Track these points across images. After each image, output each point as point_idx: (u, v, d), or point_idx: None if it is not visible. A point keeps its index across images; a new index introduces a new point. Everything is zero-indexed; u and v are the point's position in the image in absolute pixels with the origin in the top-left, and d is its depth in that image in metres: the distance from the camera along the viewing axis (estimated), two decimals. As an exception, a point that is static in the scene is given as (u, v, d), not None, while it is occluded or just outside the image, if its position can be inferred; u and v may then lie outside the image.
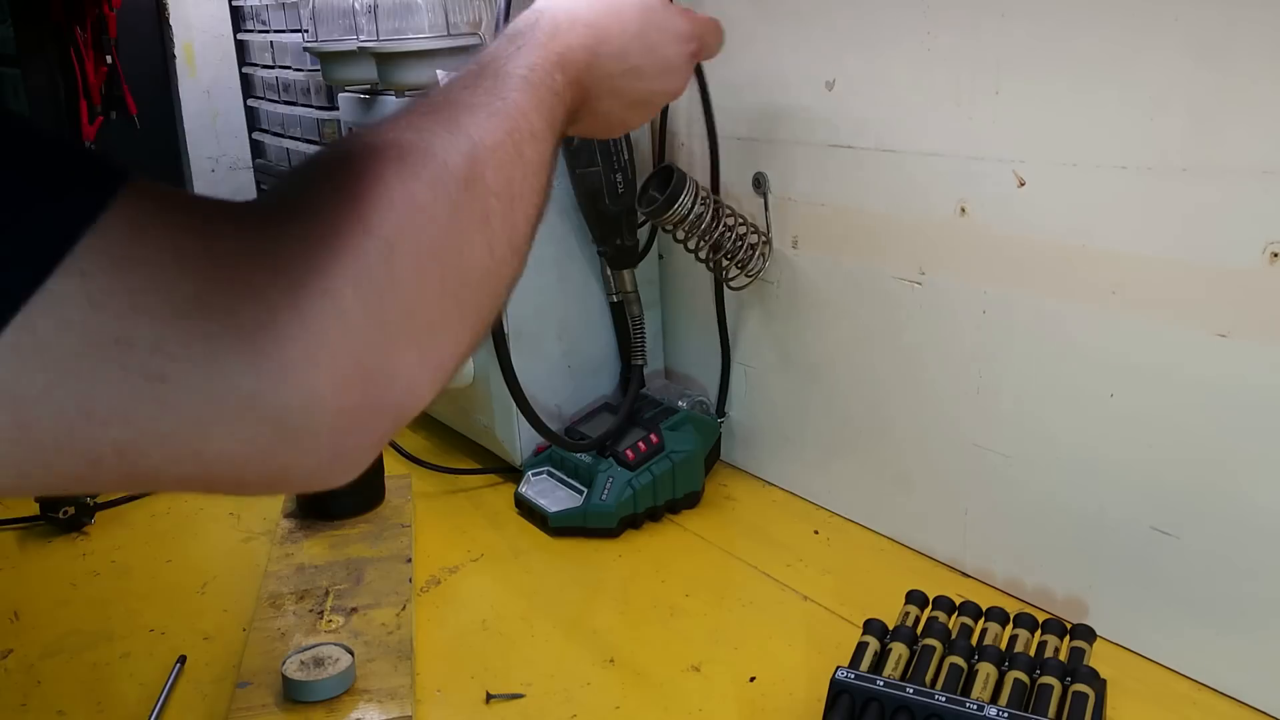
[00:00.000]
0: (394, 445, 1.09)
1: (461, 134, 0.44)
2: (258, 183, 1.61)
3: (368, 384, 0.36)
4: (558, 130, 0.51)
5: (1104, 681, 0.65)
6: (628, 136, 0.93)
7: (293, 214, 0.36)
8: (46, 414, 0.30)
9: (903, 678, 0.65)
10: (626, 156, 0.93)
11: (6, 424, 0.29)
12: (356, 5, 0.99)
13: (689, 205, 0.87)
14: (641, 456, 0.93)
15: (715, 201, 0.89)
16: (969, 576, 0.83)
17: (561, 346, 1.01)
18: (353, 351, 0.36)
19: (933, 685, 0.63)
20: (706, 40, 0.66)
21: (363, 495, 0.96)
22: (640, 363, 1.01)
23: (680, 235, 0.90)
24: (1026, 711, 0.61)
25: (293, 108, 1.43)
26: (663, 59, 0.61)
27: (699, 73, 0.93)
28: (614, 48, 0.57)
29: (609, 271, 0.99)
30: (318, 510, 0.95)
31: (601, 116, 0.59)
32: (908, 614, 0.72)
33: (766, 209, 0.93)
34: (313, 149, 1.38)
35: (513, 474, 1.03)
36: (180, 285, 0.31)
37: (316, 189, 0.38)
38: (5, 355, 0.29)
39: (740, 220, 0.91)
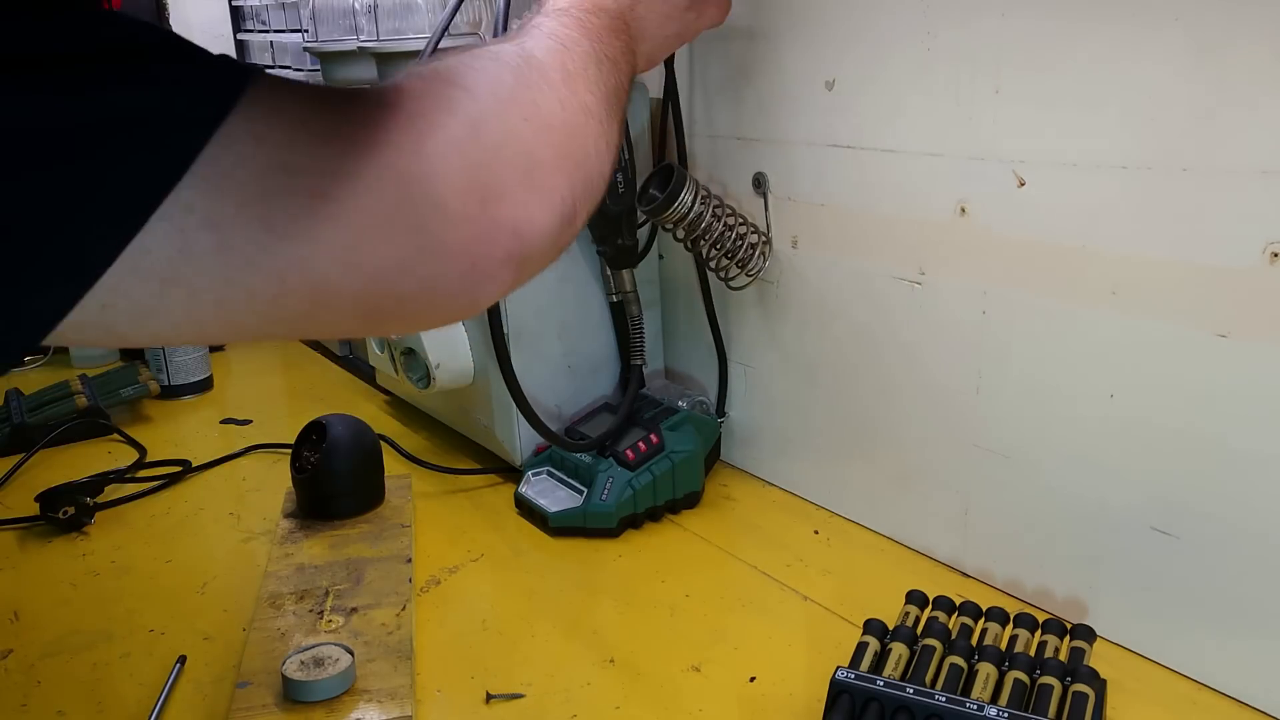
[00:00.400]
0: (394, 445, 1.09)
1: (503, 40, 0.54)
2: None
3: (485, 196, 0.43)
4: (603, 38, 0.59)
5: (1104, 681, 0.65)
6: (628, 136, 0.93)
7: (391, 82, 0.45)
8: (239, 231, 0.36)
9: (903, 678, 0.65)
10: (627, 156, 0.93)
11: (208, 243, 0.35)
12: (356, 5, 0.99)
13: (689, 203, 0.87)
14: (641, 456, 0.93)
15: (715, 200, 0.89)
16: (969, 576, 0.83)
17: (561, 346, 1.01)
18: (466, 167, 0.43)
19: (933, 685, 0.63)
20: None
21: (363, 495, 0.96)
22: (640, 363, 1.01)
23: (680, 234, 0.90)
24: (1026, 711, 0.61)
25: (293, 108, 1.43)
26: None
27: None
28: None
29: (609, 271, 0.99)
30: (318, 510, 0.95)
31: (644, 57, 0.67)
32: (908, 614, 0.72)
33: (766, 209, 0.93)
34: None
35: (513, 474, 1.03)
36: (318, 119, 0.38)
37: (404, 75, 0.46)
38: (197, 182, 0.34)
39: (740, 220, 0.91)
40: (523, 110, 0.48)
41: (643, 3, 0.67)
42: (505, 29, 0.85)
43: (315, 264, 0.38)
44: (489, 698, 0.71)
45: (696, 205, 0.87)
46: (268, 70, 0.40)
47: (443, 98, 0.44)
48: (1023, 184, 0.72)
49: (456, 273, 0.43)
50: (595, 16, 0.62)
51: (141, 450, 1.14)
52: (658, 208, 0.87)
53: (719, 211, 0.89)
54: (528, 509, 0.96)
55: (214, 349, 1.44)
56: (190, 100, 0.35)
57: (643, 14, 0.67)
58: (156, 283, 0.35)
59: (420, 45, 0.95)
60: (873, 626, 0.70)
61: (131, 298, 0.35)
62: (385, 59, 0.97)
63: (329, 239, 0.38)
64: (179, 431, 1.23)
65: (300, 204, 0.37)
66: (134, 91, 0.33)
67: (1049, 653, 0.67)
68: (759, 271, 0.92)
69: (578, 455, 0.95)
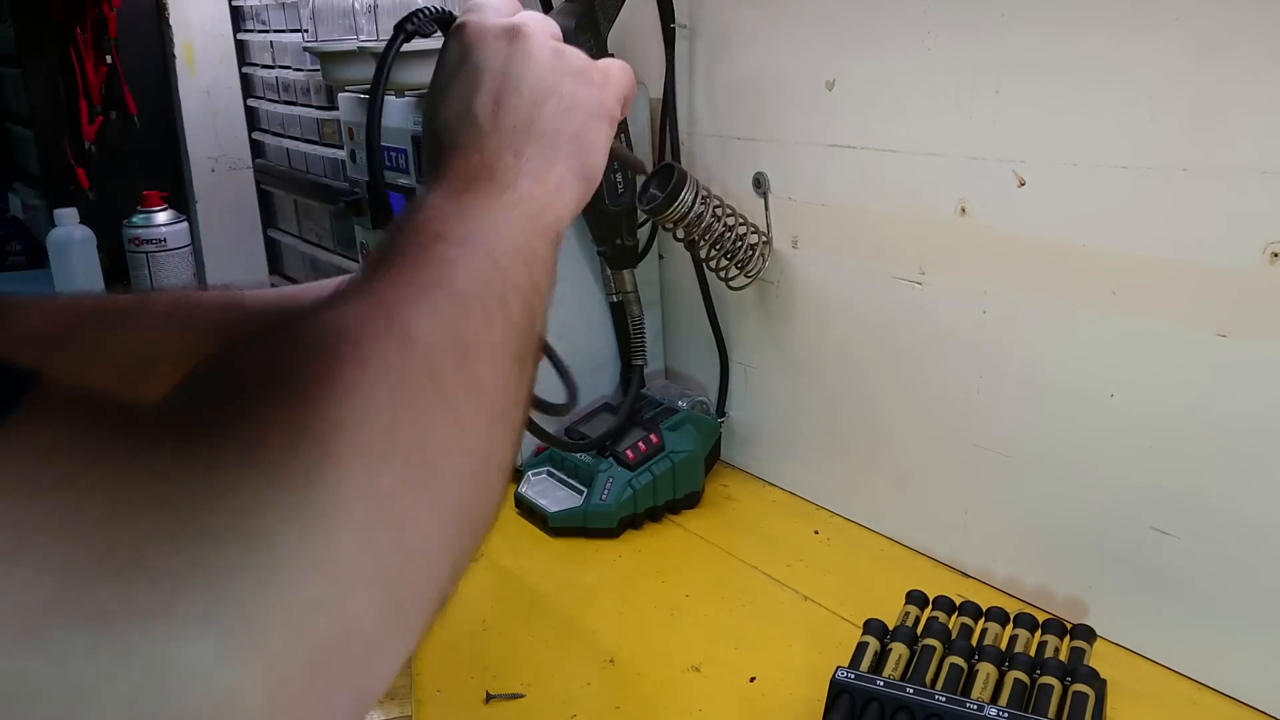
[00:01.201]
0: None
1: (371, 294, 0.35)
2: (258, 183, 1.61)
3: (315, 670, 0.26)
4: (519, 249, 0.43)
5: (1104, 681, 0.65)
6: (628, 135, 0.93)
7: (224, 429, 0.26)
8: None
9: (903, 678, 0.65)
10: (626, 156, 0.93)
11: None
12: (356, 5, 0.99)
13: (689, 202, 0.87)
14: (641, 456, 0.93)
15: (716, 200, 0.89)
16: (969, 576, 0.83)
17: (561, 346, 1.00)
18: (295, 623, 0.25)
19: (933, 685, 0.63)
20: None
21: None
22: (640, 363, 1.01)
23: (680, 234, 0.90)
24: (1026, 711, 0.61)
25: (293, 108, 1.43)
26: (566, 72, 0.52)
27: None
28: (483, 114, 0.49)
29: (609, 271, 0.99)
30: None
31: (568, 177, 0.50)
32: (908, 614, 0.72)
33: (766, 209, 0.93)
34: (312, 149, 1.38)
35: (513, 474, 1.03)
36: (30, 593, 0.22)
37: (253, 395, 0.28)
38: None
39: (740, 220, 0.91)
40: (399, 466, 0.30)
41: (509, 120, 0.49)
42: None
43: None
44: (489, 698, 0.71)
45: (697, 205, 0.87)
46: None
47: (261, 481, 0.26)
48: (1023, 184, 0.72)
49: None
50: (474, 195, 0.45)
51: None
52: (658, 207, 0.87)
53: (719, 211, 0.89)
54: (528, 509, 0.96)
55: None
56: None
57: (524, 141, 0.49)
58: None
59: (420, 45, 0.95)
60: (873, 626, 0.70)
61: None
62: (385, 59, 0.97)
63: None
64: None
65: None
66: None
67: (1049, 653, 0.67)
68: (759, 271, 0.92)
69: (578, 455, 0.95)
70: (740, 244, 0.90)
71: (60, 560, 0.23)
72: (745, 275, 0.92)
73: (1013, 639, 0.69)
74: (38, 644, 0.22)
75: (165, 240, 1.39)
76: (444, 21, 0.61)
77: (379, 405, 0.30)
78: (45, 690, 0.22)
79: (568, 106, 0.51)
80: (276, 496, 0.26)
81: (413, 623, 0.30)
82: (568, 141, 0.51)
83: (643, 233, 0.99)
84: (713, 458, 1.02)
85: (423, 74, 0.96)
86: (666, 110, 0.98)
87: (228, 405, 0.27)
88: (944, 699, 0.61)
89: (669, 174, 0.87)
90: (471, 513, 0.34)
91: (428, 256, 0.39)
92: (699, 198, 0.87)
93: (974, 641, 0.69)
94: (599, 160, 0.53)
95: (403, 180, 1.04)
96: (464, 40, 0.52)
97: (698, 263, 0.99)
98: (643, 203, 0.89)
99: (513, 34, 0.51)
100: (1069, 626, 0.70)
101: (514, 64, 0.50)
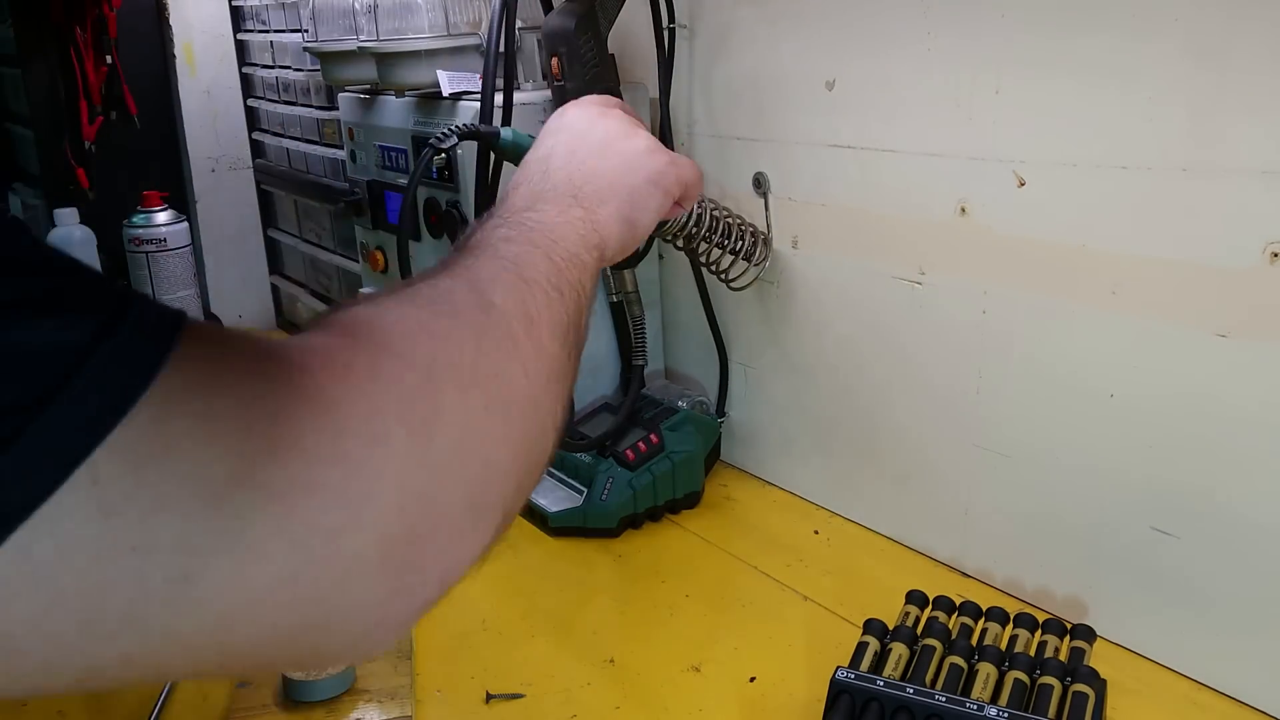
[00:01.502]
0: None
1: (458, 274, 0.45)
2: (258, 183, 1.61)
3: (416, 538, 0.33)
4: (571, 255, 0.52)
5: (1104, 681, 0.65)
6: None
7: (328, 356, 0.33)
8: (37, 642, 0.26)
9: (903, 678, 0.65)
10: (626, 156, 0.93)
11: (93, 543, 0.25)
12: (356, 5, 0.99)
13: (687, 212, 0.86)
14: (641, 456, 0.93)
15: (711, 203, 0.89)
16: (969, 576, 0.83)
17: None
18: (404, 499, 0.33)
19: (933, 685, 0.63)
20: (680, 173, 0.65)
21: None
22: (641, 363, 1.01)
23: (680, 244, 0.89)
24: (1026, 711, 0.61)
25: (293, 108, 1.43)
26: (630, 145, 0.62)
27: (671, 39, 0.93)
28: (561, 152, 0.60)
29: (609, 271, 0.99)
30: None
31: (615, 217, 0.59)
32: (908, 614, 0.72)
33: (766, 209, 0.93)
34: (312, 149, 1.38)
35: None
36: (213, 469, 0.27)
37: (347, 323, 0.36)
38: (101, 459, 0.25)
39: (739, 219, 0.91)
40: (485, 393, 0.38)
41: (581, 166, 0.59)
42: (502, 29, 0.85)
43: (150, 654, 0.28)
44: (489, 698, 0.71)
45: (694, 212, 0.86)
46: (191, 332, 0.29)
47: (390, 381, 0.34)
48: (1023, 184, 0.72)
49: (348, 640, 0.33)
50: (537, 211, 0.54)
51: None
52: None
53: (716, 213, 0.89)
54: (528, 509, 0.96)
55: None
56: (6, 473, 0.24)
57: (586, 175, 0.58)
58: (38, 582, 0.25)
59: (420, 45, 0.95)
60: (873, 626, 0.70)
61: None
62: (385, 59, 0.97)
63: (179, 631, 0.28)
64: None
65: (147, 594, 0.27)
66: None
67: (1049, 653, 0.67)
68: (764, 261, 0.92)
69: (578, 455, 0.95)
70: (741, 240, 0.90)
71: (238, 446, 0.28)
72: (751, 265, 0.91)
73: (1013, 639, 0.69)
74: (226, 508, 0.28)
75: (165, 240, 1.39)
76: (465, 135, 0.71)
77: (467, 350, 0.39)
78: (228, 546, 0.28)
79: (631, 167, 0.61)
80: (392, 406, 0.33)
81: (486, 524, 0.38)
82: (622, 191, 0.60)
83: (643, 233, 0.99)
84: (713, 458, 1.02)
85: (422, 74, 0.96)
86: (666, 111, 0.98)
87: (351, 342, 0.35)
88: (944, 699, 0.61)
89: None
90: (533, 448, 0.42)
91: (500, 252, 0.48)
92: (695, 204, 0.86)
93: (974, 641, 0.69)
94: (645, 219, 0.62)
95: (402, 180, 1.04)
96: (564, 109, 0.65)
97: (697, 263, 0.99)
98: None
99: (602, 108, 0.65)
100: (1069, 626, 0.70)
101: (594, 126, 0.63)
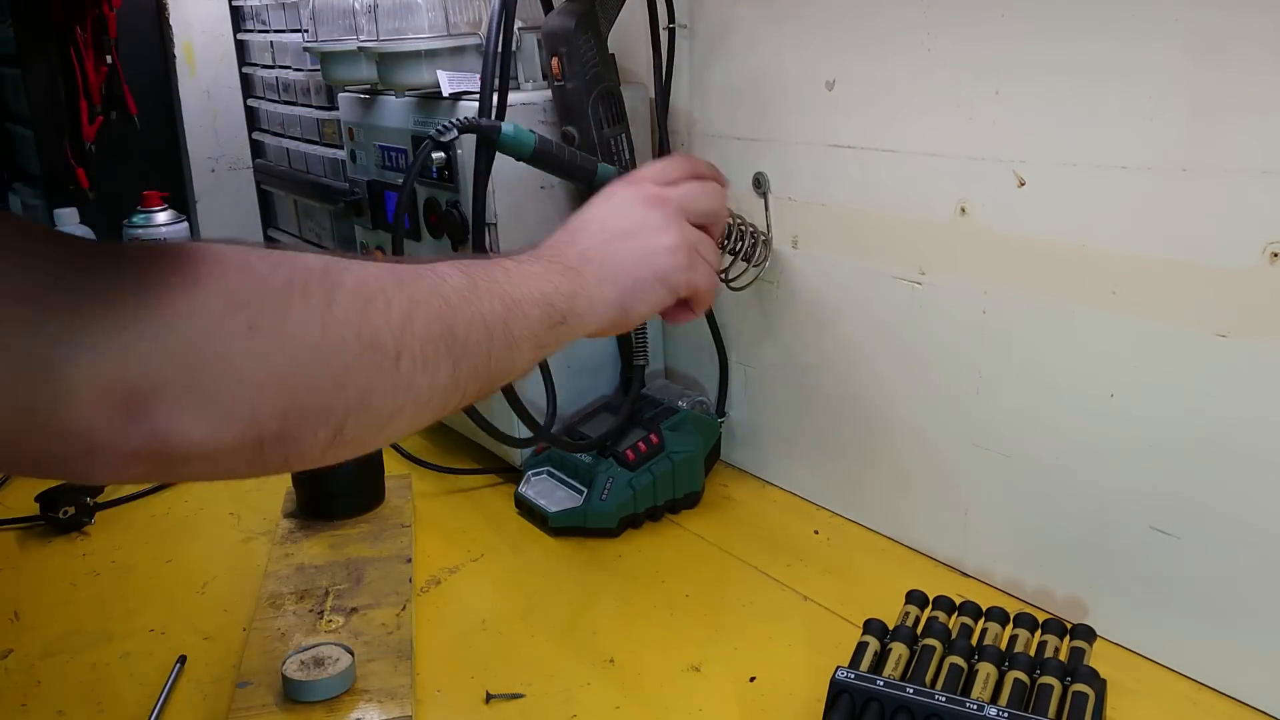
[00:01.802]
0: (394, 445, 1.09)
1: (355, 258, 0.50)
2: (258, 183, 1.61)
3: (130, 395, 0.40)
4: (513, 301, 0.56)
5: (1104, 681, 0.65)
6: (628, 134, 0.93)
7: (139, 249, 0.43)
8: None
9: (903, 678, 0.65)
10: (628, 156, 0.93)
11: None
12: (356, 5, 0.99)
13: None
14: (641, 456, 0.93)
15: None
16: (969, 576, 0.83)
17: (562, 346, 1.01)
18: (122, 360, 0.40)
19: (933, 685, 0.63)
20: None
21: (363, 495, 0.96)
22: (641, 363, 1.01)
23: None
24: (1026, 711, 0.61)
25: (293, 108, 1.43)
26: (646, 228, 0.67)
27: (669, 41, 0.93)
28: (593, 226, 0.66)
29: (609, 271, 0.99)
30: (318, 510, 0.95)
31: (608, 299, 0.63)
32: (908, 614, 0.72)
33: (766, 209, 0.93)
34: (312, 149, 1.38)
35: (513, 474, 1.03)
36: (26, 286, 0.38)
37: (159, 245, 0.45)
38: None
39: (739, 218, 0.91)
40: (253, 317, 0.44)
41: (594, 246, 0.64)
42: (501, 28, 0.85)
43: None
44: (489, 698, 0.71)
45: None
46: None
47: (163, 279, 0.41)
48: (1023, 184, 0.72)
49: (70, 452, 0.40)
50: (514, 260, 0.59)
51: (141, 450, 1.13)
52: None
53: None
54: (528, 509, 0.96)
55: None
56: None
57: (596, 257, 0.63)
58: None
59: (420, 45, 0.95)
60: (873, 626, 0.70)
61: None
62: (385, 59, 0.97)
63: None
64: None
65: None
66: None
67: (1049, 653, 0.67)
68: (764, 261, 0.92)
69: (578, 455, 0.95)
70: (741, 240, 0.90)
71: (56, 259, 0.39)
72: (751, 266, 0.92)
73: (1013, 639, 0.69)
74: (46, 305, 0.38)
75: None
76: (465, 128, 0.72)
77: (268, 281, 0.45)
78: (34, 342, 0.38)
79: (644, 260, 0.65)
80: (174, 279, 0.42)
81: (209, 413, 0.43)
82: (626, 279, 0.64)
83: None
84: (713, 458, 1.02)
85: (422, 74, 0.96)
86: (666, 109, 0.98)
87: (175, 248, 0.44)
88: (944, 699, 0.61)
89: None
90: (300, 384, 0.46)
91: (446, 269, 0.54)
92: None
93: (974, 641, 0.69)
94: (641, 310, 0.66)
95: (402, 179, 1.04)
96: (620, 185, 0.69)
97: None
98: None
99: (650, 198, 0.68)
100: (1069, 626, 0.70)
101: (633, 212, 0.67)
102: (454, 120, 0.76)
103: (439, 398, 0.52)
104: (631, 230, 0.66)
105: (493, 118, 0.86)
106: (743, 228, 0.91)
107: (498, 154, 0.81)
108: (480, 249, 0.87)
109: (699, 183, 0.71)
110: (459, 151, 0.93)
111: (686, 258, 0.67)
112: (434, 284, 0.52)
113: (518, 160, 0.78)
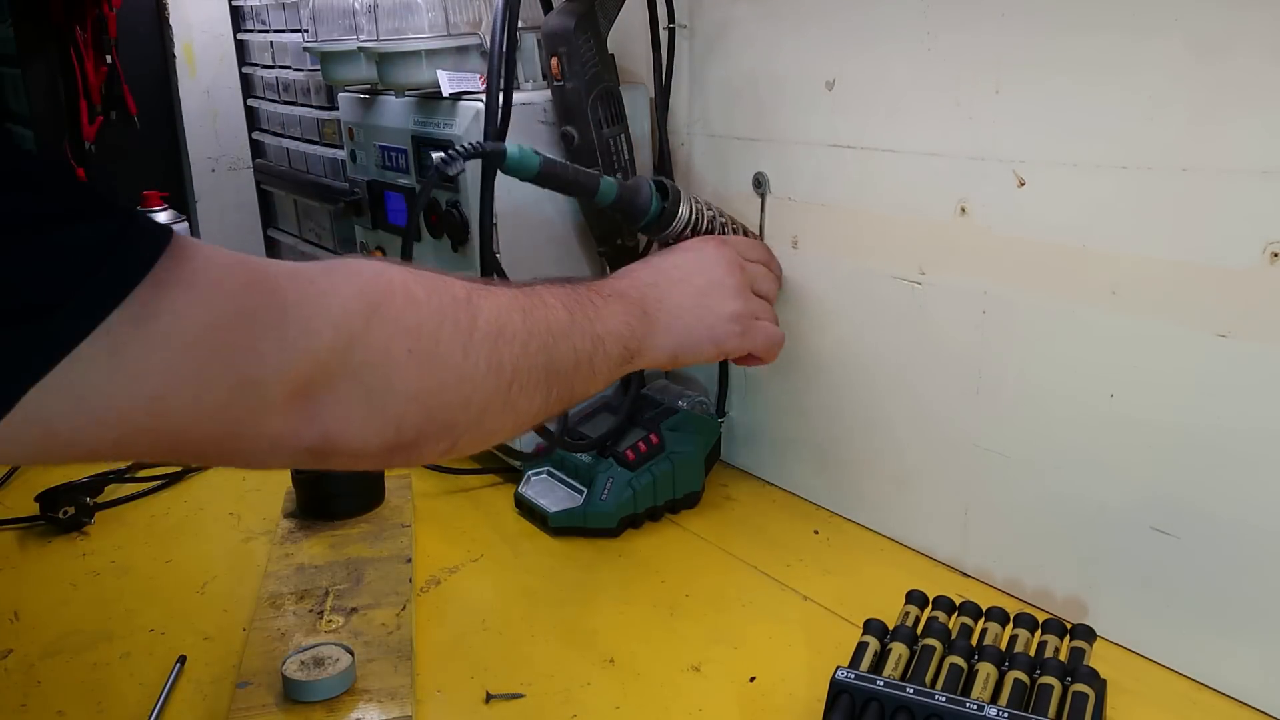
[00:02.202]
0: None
1: (487, 284, 0.59)
2: (258, 183, 1.61)
3: (312, 394, 0.47)
4: (595, 315, 0.65)
5: (1104, 681, 0.65)
6: (627, 135, 0.93)
7: (330, 263, 0.52)
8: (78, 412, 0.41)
9: (903, 678, 0.65)
10: (627, 156, 0.93)
11: (106, 364, 0.40)
12: (356, 5, 0.99)
13: (686, 217, 0.85)
14: (641, 456, 0.93)
15: (705, 205, 0.88)
16: (969, 576, 0.83)
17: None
18: (317, 370, 0.47)
19: (933, 685, 0.63)
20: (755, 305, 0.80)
21: (363, 495, 0.96)
22: (641, 363, 1.01)
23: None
24: (1026, 711, 0.61)
25: (293, 108, 1.43)
26: (716, 285, 0.76)
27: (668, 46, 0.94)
28: (675, 275, 0.75)
29: (610, 272, 0.99)
30: (318, 510, 0.95)
31: (665, 347, 0.72)
32: (908, 614, 0.72)
33: (763, 210, 0.93)
34: (312, 149, 1.38)
35: (513, 474, 1.03)
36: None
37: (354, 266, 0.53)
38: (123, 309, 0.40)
39: (731, 221, 0.91)
40: (414, 343, 0.51)
41: (670, 296, 0.72)
42: (504, 29, 0.85)
43: (131, 397, 0.41)
44: (489, 698, 0.71)
45: (692, 216, 0.86)
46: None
47: (335, 301, 0.49)
48: (1023, 184, 0.72)
49: (258, 449, 0.48)
50: (602, 296, 0.66)
51: (141, 450, 1.13)
52: (654, 227, 0.86)
53: (710, 215, 0.88)
54: (528, 509, 0.96)
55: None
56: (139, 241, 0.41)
57: (668, 306, 0.71)
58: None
59: (420, 45, 0.95)
60: (873, 626, 0.70)
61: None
62: (385, 59, 0.97)
63: (151, 378, 0.42)
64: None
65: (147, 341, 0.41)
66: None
67: (1049, 653, 0.67)
68: None
69: (578, 455, 0.95)
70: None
71: (213, 309, 0.44)
72: None
73: (1013, 639, 0.69)
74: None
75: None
76: (470, 155, 0.76)
77: (417, 312, 0.53)
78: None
79: (705, 321, 0.74)
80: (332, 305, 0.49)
81: (394, 417, 0.52)
82: (686, 333, 0.73)
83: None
84: (713, 458, 1.02)
85: (422, 74, 0.96)
86: (665, 109, 0.98)
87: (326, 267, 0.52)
88: (944, 699, 0.61)
89: (662, 193, 0.86)
90: (446, 399, 0.54)
91: (552, 299, 0.62)
92: (692, 209, 0.86)
93: (974, 641, 0.69)
94: (688, 361, 0.74)
95: (402, 180, 1.04)
96: (708, 241, 0.81)
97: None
98: (638, 225, 0.87)
99: (731, 262, 0.78)
100: (1069, 626, 0.70)
101: (708, 273, 0.76)
102: (459, 148, 0.75)
103: (531, 418, 0.60)
104: (706, 288, 0.75)
105: (498, 123, 0.86)
106: (734, 228, 0.91)
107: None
108: (488, 262, 0.87)
109: (767, 269, 0.84)
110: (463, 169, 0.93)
111: (743, 326, 0.76)
112: (545, 316, 0.60)
113: (522, 181, 0.78)
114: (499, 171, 0.79)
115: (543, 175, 0.78)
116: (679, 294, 0.73)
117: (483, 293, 0.56)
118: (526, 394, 0.57)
